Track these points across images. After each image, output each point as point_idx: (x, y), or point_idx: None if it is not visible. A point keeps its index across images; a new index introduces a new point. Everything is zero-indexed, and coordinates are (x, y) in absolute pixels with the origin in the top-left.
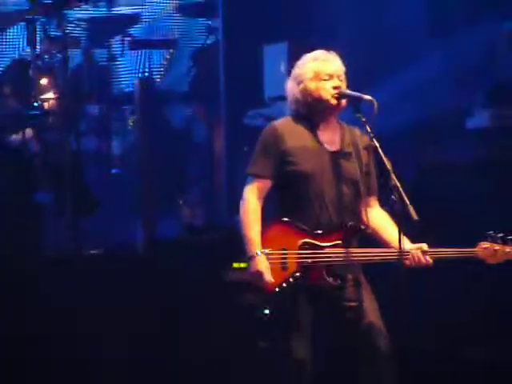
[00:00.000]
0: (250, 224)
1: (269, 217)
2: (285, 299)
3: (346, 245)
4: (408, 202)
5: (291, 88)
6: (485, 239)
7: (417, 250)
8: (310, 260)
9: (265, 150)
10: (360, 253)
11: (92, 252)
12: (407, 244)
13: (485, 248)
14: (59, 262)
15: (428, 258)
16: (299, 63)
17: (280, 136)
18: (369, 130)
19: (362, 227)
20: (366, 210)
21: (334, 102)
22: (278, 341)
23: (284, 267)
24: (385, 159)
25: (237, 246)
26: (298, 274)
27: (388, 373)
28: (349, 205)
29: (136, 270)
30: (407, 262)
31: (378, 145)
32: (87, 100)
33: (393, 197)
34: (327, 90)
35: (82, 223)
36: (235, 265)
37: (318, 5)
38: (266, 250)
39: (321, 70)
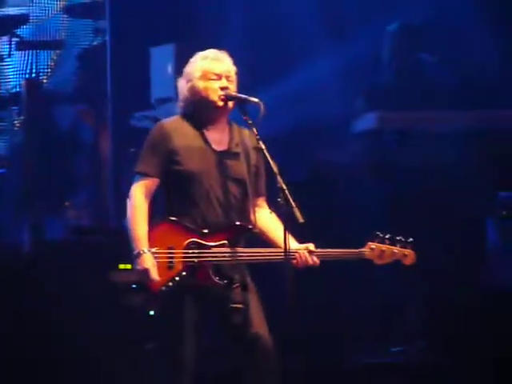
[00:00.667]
0: (137, 222)
1: (156, 216)
2: (170, 299)
3: (233, 244)
4: (293, 204)
5: (181, 86)
6: (372, 240)
7: (303, 250)
8: (196, 259)
9: (152, 149)
10: (246, 252)
11: None
12: (294, 244)
13: (372, 248)
14: None
15: (315, 258)
16: (190, 61)
17: (167, 135)
18: (255, 132)
19: (249, 227)
20: (253, 210)
21: (220, 103)
22: (162, 341)
23: (170, 266)
24: (271, 161)
25: (123, 248)
26: (184, 273)
27: (271, 378)
28: (236, 204)
29: (21, 272)
30: (294, 262)
31: (263, 147)
32: None
33: (279, 199)
34: (214, 91)
35: None
36: (121, 266)
37: (205, 6)
38: (153, 249)
39: (209, 70)
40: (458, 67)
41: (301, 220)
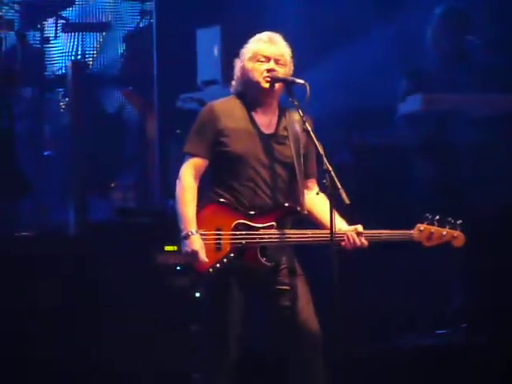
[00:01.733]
0: (186, 202)
1: (203, 198)
2: (216, 281)
3: (281, 226)
4: (339, 185)
5: (236, 64)
6: (421, 221)
7: (352, 232)
8: (243, 241)
9: (201, 130)
10: (295, 234)
11: (23, 234)
12: (343, 225)
13: (421, 230)
14: None
15: (363, 239)
16: (249, 40)
17: (216, 116)
18: (301, 113)
19: (298, 208)
20: (303, 193)
21: (264, 84)
22: (206, 322)
23: (218, 248)
24: (317, 143)
25: (169, 230)
26: (232, 255)
27: (317, 367)
28: (284, 187)
29: (67, 253)
30: (342, 244)
31: (310, 129)
32: (20, 82)
33: (324, 181)
34: (260, 72)
35: (14, 205)
36: (167, 248)
37: None
38: (201, 230)
39: (259, 51)
40: (503, 50)
41: (347, 202)
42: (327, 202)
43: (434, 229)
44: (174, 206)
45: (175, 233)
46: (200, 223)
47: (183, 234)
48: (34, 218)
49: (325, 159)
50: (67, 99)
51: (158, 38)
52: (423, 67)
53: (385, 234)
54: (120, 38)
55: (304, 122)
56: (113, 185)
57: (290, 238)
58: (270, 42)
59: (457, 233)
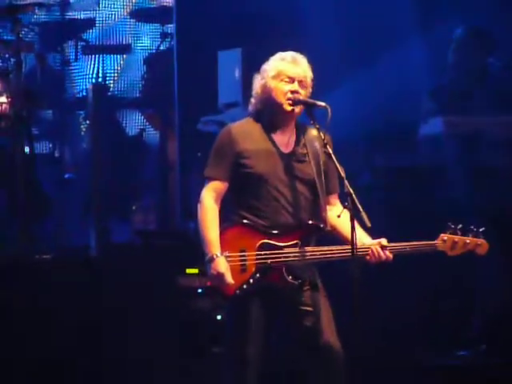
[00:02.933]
0: (209, 226)
1: (225, 220)
2: (238, 302)
3: (305, 244)
4: (361, 208)
5: (256, 81)
6: (444, 231)
7: (376, 245)
8: (269, 261)
9: (220, 153)
10: (319, 251)
11: (44, 257)
12: (367, 240)
13: (444, 240)
14: (10, 266)
15: (388, 252)
16: (271, 58)
17: (235, 138)
18: (322, 136)
19: (321, 225)
20: (325, 209)
21: (287, 107)
22: (228, 342)
23: (244, 269)
24: (338, 166)
25: (190, 252)
26: (258, 276)
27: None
28: (306, 204)
29: (88, 275)
30: (367, 258)
31: (331, 152)
32: (40, 104)
33: (346, 203)
34: (283, 93)
35: (34, 227)
36: (189, 270)
37: (273, 9)
38: (226, 253)
39: (283, 71)
40: None
41: (368, 225)
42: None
43: (457, 238)
44: (195, 229)
45: (197, 255)
46: (224, 245)
47: (208, 257)
48: (55, 241)
49: (346, 182)
50: (88, 122)
51: (178, 60)
52: (444, 86)
53: (409, 246)
54: (141, 61)
55: (325, 145)
56: (134, 207)
57: (314, 255)
58: (295, 63)
59: (480, 241)
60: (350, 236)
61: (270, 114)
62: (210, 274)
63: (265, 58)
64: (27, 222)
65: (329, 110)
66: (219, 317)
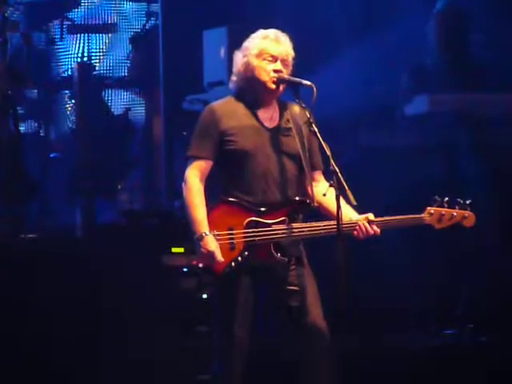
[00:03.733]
0: (195, 205)
1: (212, 199)
2: (226, 280)
3: (293, 220)
4: (347, 186)
5: (237, 58)
6: (431, 204)
7: (363, 220)
8: (257, 238)
9: (203, 132)
10: (306, 227)
11: (29, 236)
12: (354, 215)
13: (431, 213)
14: None
15: (375, 227)
16: (251, 36)
17: (218, 117)
18: (308, 115)
19: (308, 201)
20: (311, 185)
21: (271, 85)
22: (216, 321)
23: (232, 247)
24: (324, 144)
25: (175, 231)
26: (246, 253)
27: (326, 368)
28: (293, 180)
29: (74, 255)
30: (355, 233)
31: (317, 130)
32: (26, 84)
33: (331, 181)
34: (267, 72)
35: (20, 207)
36: (174, 249)
37: None
38: (214, 231)
39: (266, 50)
40: (507, 48)
41: (354, 203)
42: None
43: (444, 210)
44: (181, 208)
45: (182, 234)
46: (212, 224)
47: (197, 236)
48: (41, 220)
49: (332, 160)
50: (73, 101)
51: (164, 39)
52: (424, 64)
53: (396, 219)
54: (126, 40)
55: (311, 124)
56: (119, 187)
57: (302, 231)
58: (277, 42)
59: (467, 213)
60: (335, 212)
61: (252, 92)
62: (200, 252)
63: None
64: (12, 201)
65: (314, 88)
66: (205, 296)
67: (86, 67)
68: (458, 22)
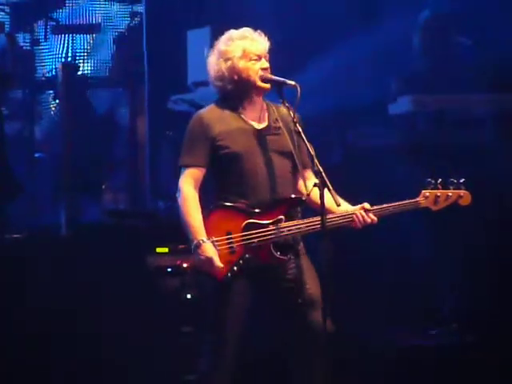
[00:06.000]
0: (191, 212)
1: (208, 205)
2: (225, 286)
3: (290, 218)
4: (330, 186)
5: (217, 64)
6: (425, 187)
7: (359, 210)
8: (256, 240)
9: (193, 140)
10: (304, 223)
11: (14, 236)
12: (349, 207)
13: (427, 196)
14: None
15: (372, 215)
16: (225, 39)
17: (207, 124)
18: (292, 114)
19: (303, 198)
20: (304, 182)
21: (262, 84)
22: (209, 325)
23: (232, 252)
24: (308, 144)
25: (160, 231)
26: (247, 256)
27: (323, 365)
28: (286, 178)
29: (58, 254)
30: (353, 224)
31: (300, 130)
32: (10, 84)
33: (316, 181)
34: (255, 71)
35: (5, 207)
36: (158, 249)
37: None
38: (212, 238)
39: (250, 50)
40: (493, 50)
41: (338, 203)
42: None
43: (439, 192)
44: (165, 208)
45: (166, 234)
46: (209, 230)
47: (194, 243)
48: (25, 220)
49: (316, 160)
50: (58, 101)
51: (148, 39)
52: (412, 70)
53: (392, 206)
54: (110, 40)
55: (295, 123)
56: (104, 186)
57: (300, 228)
58: (257, 40)
59: (462, 192)
60: (329, 206)
61: (240, 94)
62: (198, 259)
63: None
64: None
65: (298, 88)
66: (189, 296)
67: (70, 67)
68: (444, 30)
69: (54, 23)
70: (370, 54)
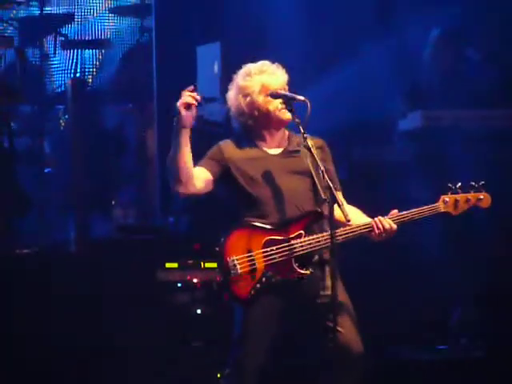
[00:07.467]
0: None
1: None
2: (252, 305)
3: (310, 233)
4: (340, 202)
5: (237, 100)
6: (444, 193)
7: (377, 218)
8: (277, 255)
9: (208, 157)
10: (323, 237)
11: (25, 251)
12: (365, 219)
13: (446, 201)
14: None
15: (390, 221)
16: (243, 74)
17: (224, 150)
18: (302, 130)
19: (319, 210)
20: (322, 200)
21: (286, 116)
22: (235, 345)
23: (253, 269)
24: (318, 160)
25: (169, 246)
26: (269, 273)
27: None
28: (305, 195)
29: (69, 270)
30: (372, 234)
31: (311, 145)
32: (20, 100)
33: (324, 197)
34: (275, 105)
35: (15, 223)
36: (168, 265)
37: (252, 5)
38: (233, 256)
39: (268, 84)
40: (502, 64)
41: (348, 218)
42: (359, 212)
43: (458, 196)
44: (174, 223)
45: (176, 249)
46: (230, 250)
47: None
48: (35, 236)
49: (326, 175)
50: (67, 116)
51: (157, 54)
52: (420, 85)
53: (411, 213)
54: (119, 55)
55: (305, 139)
56: (113, 202)
57: (319, 241)
58: (275, 74)
59: (482, 194)
60: (353, 220)
61: (262, 127)
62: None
63: (243, 53)
64: (7, 217)
65: (308, 104)
66: (199, 311)
67: (79, 83)
68: (454, 44)
69: (63, 38)
70: (379, 70)
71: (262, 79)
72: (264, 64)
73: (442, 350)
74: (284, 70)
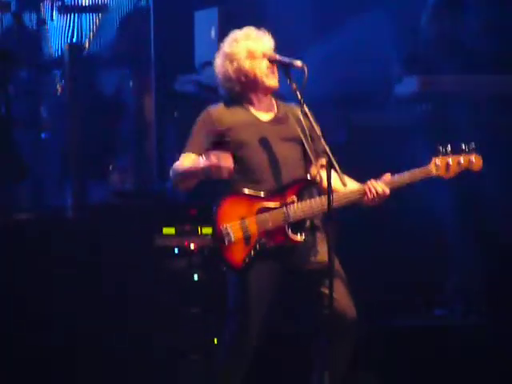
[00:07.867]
0: (180, 164)
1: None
2: (245, 272)
3: (302, 199)
4: (337, 167)
5: (223, 66)
6: (436, 155)
7: (370, 182)
8: (270, 223)
9: (197, 132)
10: (316, 203)
11: (22, 217)
12: (357, 185)
13: (438, 164)
14: None
15: (383, 185)
16: (229, 41)
17: (214, 118)
18: (299, 96)
19: (315, 179)
20: (318, 169)
21: (270, 81)
22: (231, 311)
23: (247, 236)
24: (314, 125)
25: (166, 212)
26: (262, 240)
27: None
28: (296, 162)
29: (65, 235)
30: (365, 199)
31: (307, 110)
32: (16, 64)
33: (315, 163)
34: (262, 70)
35: (12, 188)
36: (165, 230)
37: None
38: (226, 224)
39: (255, 49)
40: (498, 32)
41: (344, 184)
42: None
43: (450, 158)
44: (172, 189)
45: (173, 215)
46: (223, 218)
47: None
48: (32, 201)
49: (322, 140)
50: (64, 81)
51: (155, 19)
52: (417, 52)
53: (403, 176)
54: (117, 20)
55: (302, 105)
56: (110, 167)
57: (312, 207)
58: (262, 39)
59: (473, 156)
60: (337, 188)
61: (249, 92)
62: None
63: (241, 17)
64: (4, 182)
65: (305, 69)
66: (196, 277)
67: (76, 47)
68: (452, 13)
69: (60, 3)
70: (377, 34)
71: (248, 45)
72: (250, 29)
73: (438, 316)
74: (269, 36)
